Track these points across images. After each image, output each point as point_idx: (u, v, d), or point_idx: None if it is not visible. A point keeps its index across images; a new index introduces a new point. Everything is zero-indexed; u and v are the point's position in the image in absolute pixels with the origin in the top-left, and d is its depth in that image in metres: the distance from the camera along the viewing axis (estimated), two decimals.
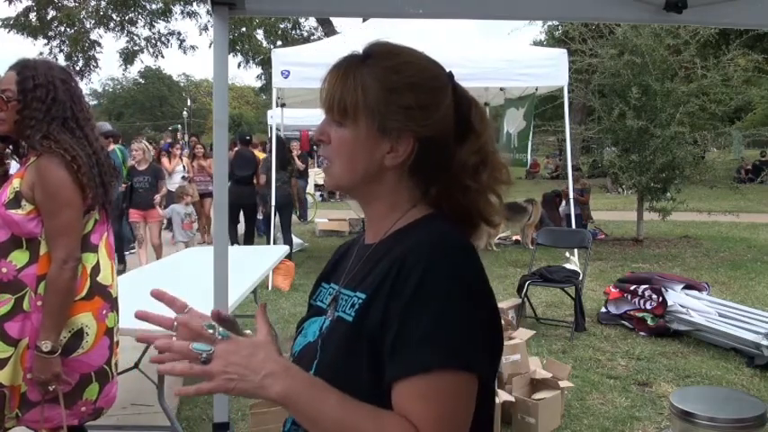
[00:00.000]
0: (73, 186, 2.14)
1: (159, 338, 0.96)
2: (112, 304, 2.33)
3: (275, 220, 8.17)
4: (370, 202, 1.07)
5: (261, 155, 10.48)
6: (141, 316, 1.06)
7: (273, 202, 7.89)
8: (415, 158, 1.01)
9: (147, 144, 8.40)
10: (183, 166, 10.53)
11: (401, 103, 1.00)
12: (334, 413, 0.88)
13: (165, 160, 10.37)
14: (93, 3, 20.58)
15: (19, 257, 2.15)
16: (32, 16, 20.31)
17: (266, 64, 20.42)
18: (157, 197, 7.79)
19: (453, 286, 0.91)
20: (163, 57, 23.63)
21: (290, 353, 1.11)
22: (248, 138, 10.32)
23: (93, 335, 2.22)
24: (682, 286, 5.38)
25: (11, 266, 2.14)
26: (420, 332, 0.88)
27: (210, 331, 0.91)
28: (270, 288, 6.89)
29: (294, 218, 13.09)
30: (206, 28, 21.19)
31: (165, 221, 8.85)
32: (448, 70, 1.06)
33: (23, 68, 2.20)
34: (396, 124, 1.00)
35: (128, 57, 21.88)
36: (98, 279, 2.28)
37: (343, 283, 1.07)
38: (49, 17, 20.42)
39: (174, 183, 9.67)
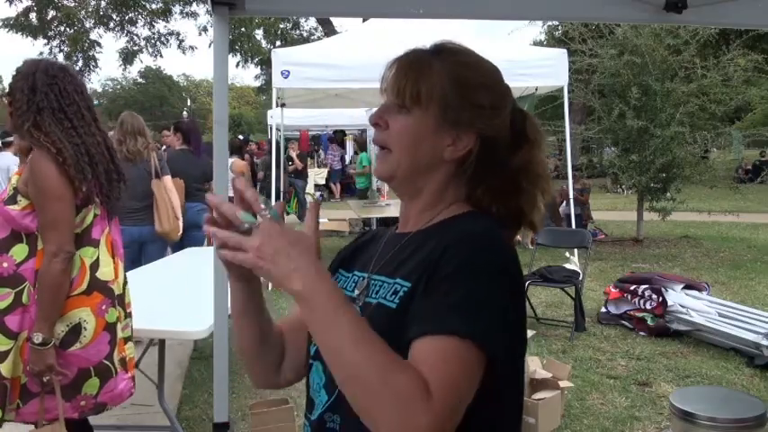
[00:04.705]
0: (60, 179, 2.17)
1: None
2: (114, 300, 2.33)
3: None
4: (416, 195, 1.06)
5: None
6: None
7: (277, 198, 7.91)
8: (473, 156, 1.03)
9: None
10: None
11: (473, 99, 1.02)
12: (352, 329, 0.84)
13: None
14: (93, 3, 20.57)
15: (19, 252, 2.19)
16: (32, 16, 20.30)
17: (265, 64, 20.42)
18: None
19: (493, 270, 0.92)
20: (162, 57, 23.62)
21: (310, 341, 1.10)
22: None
23: (91, 330, 2.24)
24: (682, 286, 5.38)
25: (11, 261, 2.18)
26: (455, 300, 0.88)
27: (263, 206, 0.87)
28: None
29: (293, 218, 13.14)
30: (205, 29, 21.18)
31: None
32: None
33: (18, 67, 2.29)
34: (464, 119, 1.01)
35: (127, 57, 21.86)
36: (97, 274, 2.29)
37: (374, 269, 1.06)
38: (48, 17, 20.41)
39: None
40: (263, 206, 0.87)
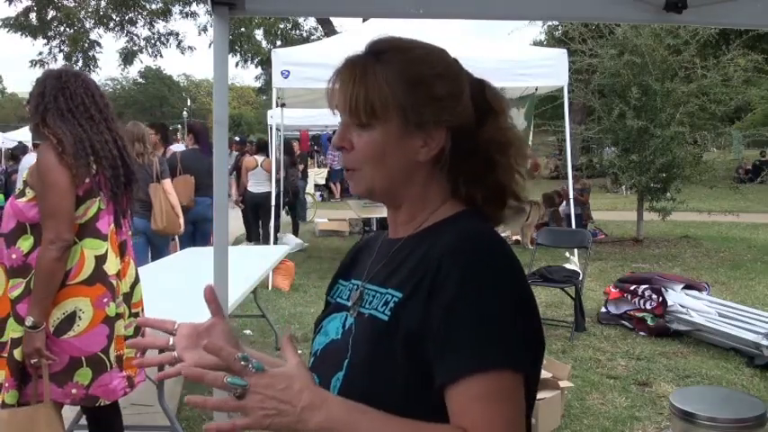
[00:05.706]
0: (60, 168, 2.25)
1: (185, 368, 0.92)
2: (114, 294, 2.37)
3: (278, 220, 8.19)
4: (401, 203, 1.03)
5: None
6: (142, 323, 1.05)
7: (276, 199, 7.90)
8: (448, 151, 0.99)
9: None
10: None
11: (431, 94, 0.97)
12: (375, 428, 0.86)
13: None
14: (93, 3, 20.56)
15: (25, 244, 2.29)
16: (32, 16, 20.30)
17: (265, 64, 20.40)
18: None
19: (495, 284, 0.90)
20: (161, 57, 23.62)
21: (310, 351, 1.10)
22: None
23: (86, 320, 2.29)
24: (682, 286, 5.38)
25: (19, 252, 2.28)
26: (471, 333, 0.86)
27: (243, 363, 0.85)
28: (270, 288, 6.88)
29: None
30: (205, 29, 21.16)
31: None
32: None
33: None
34: (429, 117, 0.97)
35: (127, 57, 21.86)
36: (104, 267, 2.35)
37: (367, 278, 1.04)
38: (48, 17, 20.41)
39: None
40: (243, 363, 0.85)
